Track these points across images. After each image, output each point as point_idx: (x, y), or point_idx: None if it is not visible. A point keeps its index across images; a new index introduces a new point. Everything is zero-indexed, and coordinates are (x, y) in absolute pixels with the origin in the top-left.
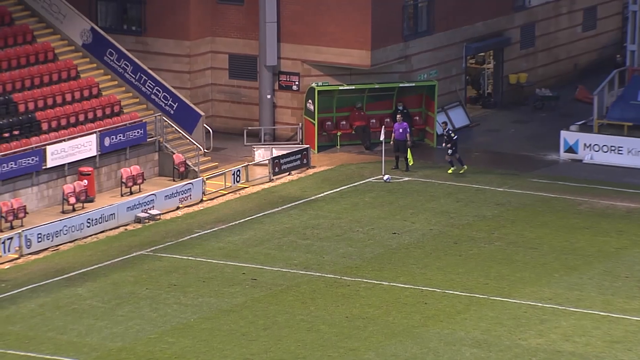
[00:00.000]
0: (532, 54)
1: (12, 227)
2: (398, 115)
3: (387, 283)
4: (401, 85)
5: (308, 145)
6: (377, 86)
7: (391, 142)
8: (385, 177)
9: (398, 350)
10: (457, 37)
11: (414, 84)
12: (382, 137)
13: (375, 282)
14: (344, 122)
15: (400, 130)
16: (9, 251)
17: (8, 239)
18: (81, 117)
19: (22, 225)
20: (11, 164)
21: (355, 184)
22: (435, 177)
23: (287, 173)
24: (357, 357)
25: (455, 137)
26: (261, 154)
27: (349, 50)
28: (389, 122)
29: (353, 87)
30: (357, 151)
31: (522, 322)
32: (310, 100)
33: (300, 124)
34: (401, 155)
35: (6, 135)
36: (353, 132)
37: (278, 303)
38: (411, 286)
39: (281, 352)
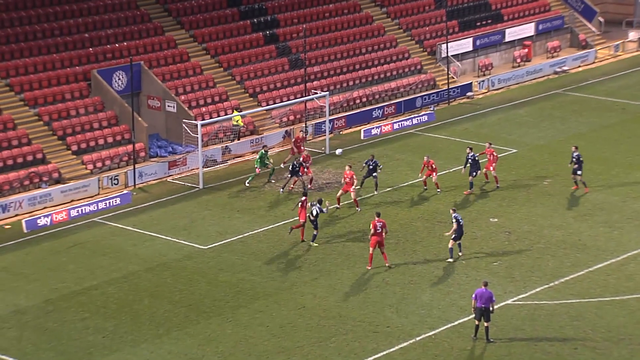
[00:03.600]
0: None
1: (484, 75)
2: None
3: None
4: None
5: None
6: None
7: None
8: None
9: None
10: None
11: None
12: None
13: None
14: None
15: None
16: (482, 88)
17: (482, 81)
18: (525, 13)
19: (490, 74)
20: (485, 39)
21: None
22: None
23: None
24: None
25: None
26: (633, 35)
27: None
28: None
29: None
30: None
31: None
32: None
33: None
34: None
35: (483, 22)
36: None
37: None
38: None
39: (638, 152)
